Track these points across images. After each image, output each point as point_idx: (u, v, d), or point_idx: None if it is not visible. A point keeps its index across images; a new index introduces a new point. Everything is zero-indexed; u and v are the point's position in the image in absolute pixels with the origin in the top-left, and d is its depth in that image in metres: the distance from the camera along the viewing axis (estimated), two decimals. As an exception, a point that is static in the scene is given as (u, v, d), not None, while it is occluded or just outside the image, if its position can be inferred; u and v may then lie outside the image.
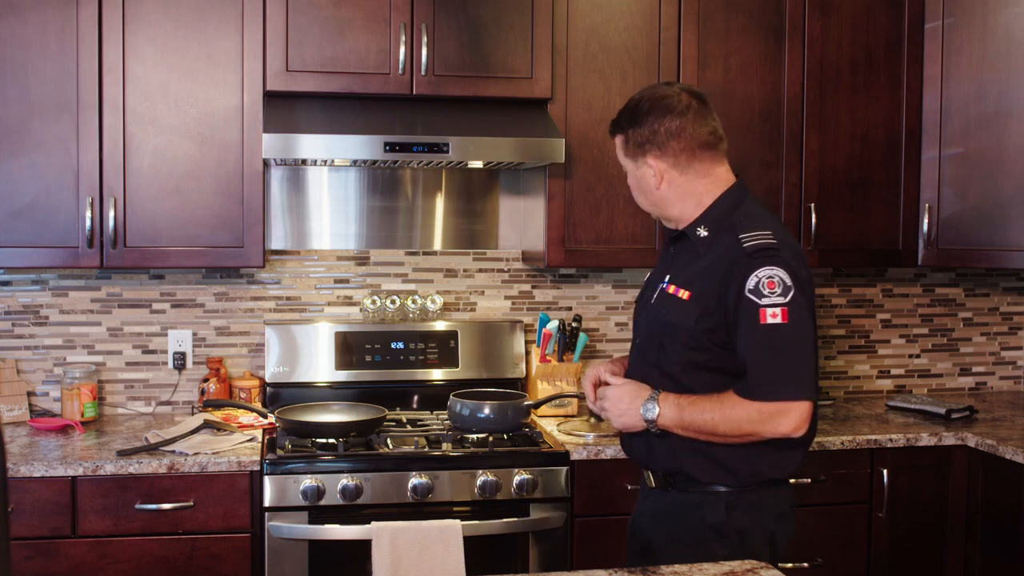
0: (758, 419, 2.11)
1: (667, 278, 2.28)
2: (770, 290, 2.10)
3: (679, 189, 2.25)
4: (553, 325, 3.34)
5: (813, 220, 3.32)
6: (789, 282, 2.10)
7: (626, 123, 2.27)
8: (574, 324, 3.35)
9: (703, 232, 2.24)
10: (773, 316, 2.09)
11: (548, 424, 3.21)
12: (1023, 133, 3.17)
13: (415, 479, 2.80)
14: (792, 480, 2.47)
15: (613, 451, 2.94)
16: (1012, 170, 3.20)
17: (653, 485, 2.31)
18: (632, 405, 2.22)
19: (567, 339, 3.35)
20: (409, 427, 3.13)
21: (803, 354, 2.12)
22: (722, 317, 2.15)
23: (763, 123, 3.32)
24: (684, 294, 2.21)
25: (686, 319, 2.19)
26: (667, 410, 2.17)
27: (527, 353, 3.48)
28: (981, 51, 3.27)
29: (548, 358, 3.35)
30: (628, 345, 3.42)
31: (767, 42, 3.31)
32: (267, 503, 2.76)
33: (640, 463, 2.34)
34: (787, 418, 2.10)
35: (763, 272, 2.10)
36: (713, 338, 2.16)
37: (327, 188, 3.45)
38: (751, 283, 2.10)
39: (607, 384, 2.35)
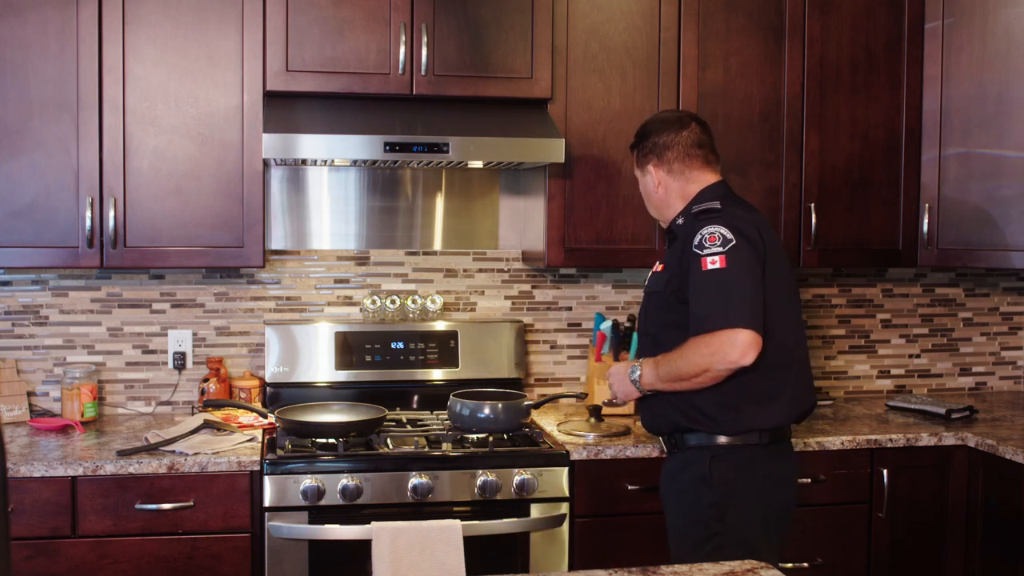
0: (708, 352, 2.37)
1: (657, 263, 2.70)
2: (711, 243, 2.42)
3: (673, 192, 2.65)
4: (607, 325, 3.36)
5: (813, 220, 3.32)
6: (730, 236, 2.41)
7: (637, 139, 2.73)
8: (628, 324, 3.36)
9: (680, 220, 2.62)
10: (712, 263, 2.40)
11: (548, 424, 3.21)
12: (1023, 133, 3.17)
13: (415, 479, 2.80)
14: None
15: (613, 451, 2.94)
16: (1012, 170, 3.20)
17: (665, 450, 2.64)
18: (624, 375, 2.60)
19: (621, 338, 3.37)
20: (409, 427, 3.13)
21: (741, 290, 2.38)
22: (683, 277, 2.47)
23: (763, 123, 3.32)
24: (659, 267, 2.63)
25: (659, 285, 2.58)
26: (647, 369, 2.53)
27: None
28: (981, 51, 3.27)
29: (603, 358, 3.38)
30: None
31: (767, 42, 3.31)
32: (267, 503, 2.76)
33: (652, 432, 2.68)
34: (730, 346, 2.34)
35: (706, 230, 2.44)
36: (679, 296, 2.49)
37: (327, 188, 3.45)
38: (696, 240, 2.44)
39: None
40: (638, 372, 2.54)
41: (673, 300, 2.51)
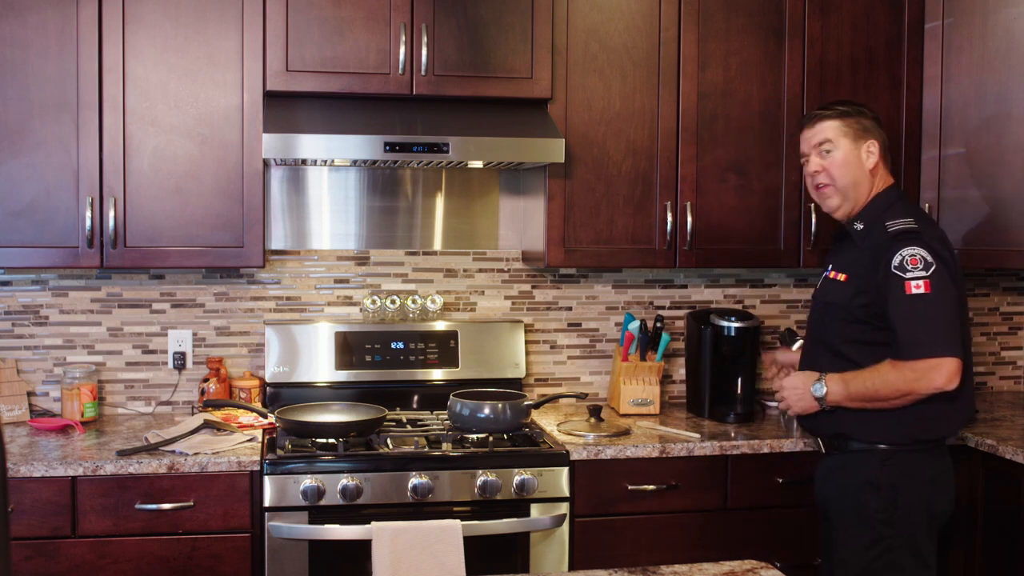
0: (912, 377, 2.42)
1: (830, 267, 2.72)
2: (913, 266, 2.44)
3: (873, 176, 2.67)
4: (635, 326, 3.38)
5: (813, 220, 3.32)
6: (930, 259, 2.45)
7: (854, 111, 2.70)
8: (658, 325, 3.37)
9: (859, 226, 2.65)
10: (917, 287, 2.43)
11: (548, 424, 3.22)
12: (1023, 133, 3.17)
13: (415, 479, 2.80)
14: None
15: (613, 451, 2.94)
16: (1012, 170, 3.20)
17: (824, 450, 2.68)
18: (805, 389, 2.60)
19: (649, 339, 3.37)
20: (409, 427, 3.13)
21: (947, 317, 2.44)
22: (875, 294, 2.50)
23: (763, 123, 3.32)
24: (841, 277, 2.62)
25: (842, 297, 2.58)
26: (834, 386, 2.54)
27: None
28: (981, 51, 3.27)
29: (631, 358, 3.39)
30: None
31: (767, 42, 3.31)
32: (267, 503, 2.76)
33: (810, 431, 2.76)
34: (938, 372, 2.40)
35: (906, 251, 2.47)
36: (868, 312, 2.52)
37: (327, 188, 3.45)
38: (896, 261, 2.47)
39: (782, 368, 2.94)
40: (824, 390, 2.56)
41: (860, 315, 2.54)
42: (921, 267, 2.44)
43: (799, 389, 2.63)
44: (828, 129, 2.70)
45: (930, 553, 2.55)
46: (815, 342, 2.71)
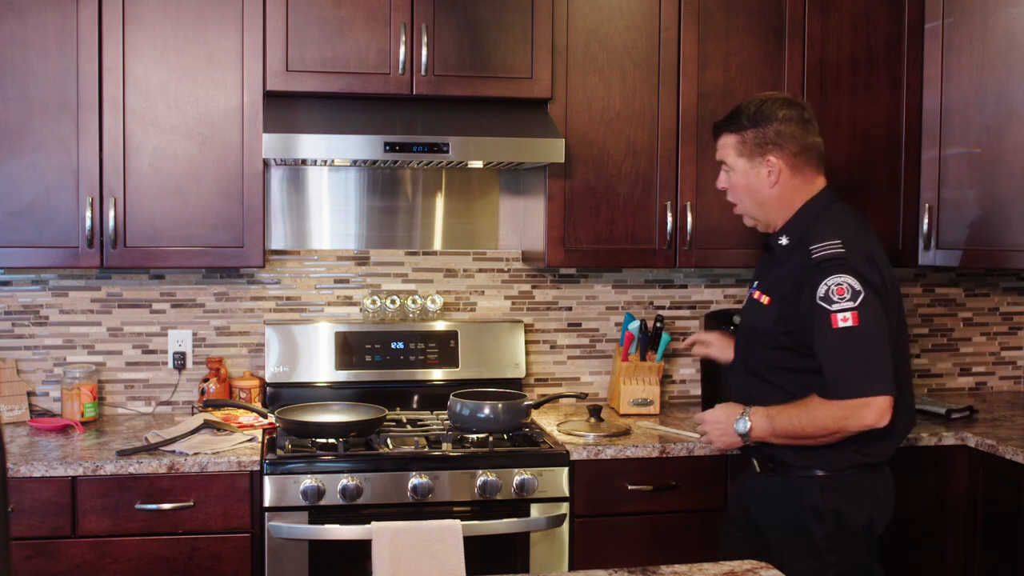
0: (841, 416, 2.27)
1: (755, 284, 2.52)
2: (839, 296, 2.27)
3: (785, 191, 2.45)
4: (635, 326, 3.38)
5: (813, 220, 3.32)
6: (858, 287, 2.27)
7: (748, 123, 2.46)
8: (657, 325, 3.36)
9: (784, 241, 2.45)
10: (844, 320, 2.25)
11: (548, 424, 3.22)
12: (1023, 133, 3.17)
13: (415, 479, 2.80)
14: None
15: (613, 451, 2.94)
16: (1012, 170, 3.20)
17: (759, 471, 2.51)
18: (728, 424, 2.43)
19: (649, 339, 3.37)
20: (409, 427, 3.13)
21: (876, 352, 2.28)
22: (799, 322, 2.33)
23: (763, 123, 3.31)
24: (765, 299, 2.43)
25: (765, 322, 2.41)
26: (758, 421, 2.38)
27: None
28: (981, 51, 3.27)
29: (630, 358, 3.40)
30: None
31: (767, 42, 3.31)
32: (267, 503, 2.76)
33: (746, 453, 2.56)
34: (868, 411, 2.26)
35: (832, 280, 2.28)
36: (793, 340, 2.36)
37: (327, 188, 3.45)
38: (821, 291, 2.29)
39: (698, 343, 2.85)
40: (748, 424, 2.39)
41: (784, 342, 2.38)
42: (848, 297, 2.26)
43: (721, 424, 2.46)
44: (724, 148, 2.52)
45: (876, 565, 2.44)
46: (742, 367, 2.53)
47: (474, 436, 3.00)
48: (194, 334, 3.40)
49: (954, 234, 3.37)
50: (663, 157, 3.25)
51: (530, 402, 3.11)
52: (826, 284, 2.28)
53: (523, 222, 3.53)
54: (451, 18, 3.08)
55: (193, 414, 3.30)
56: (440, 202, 3.52)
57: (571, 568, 2.91)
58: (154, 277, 3.37)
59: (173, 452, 2.81)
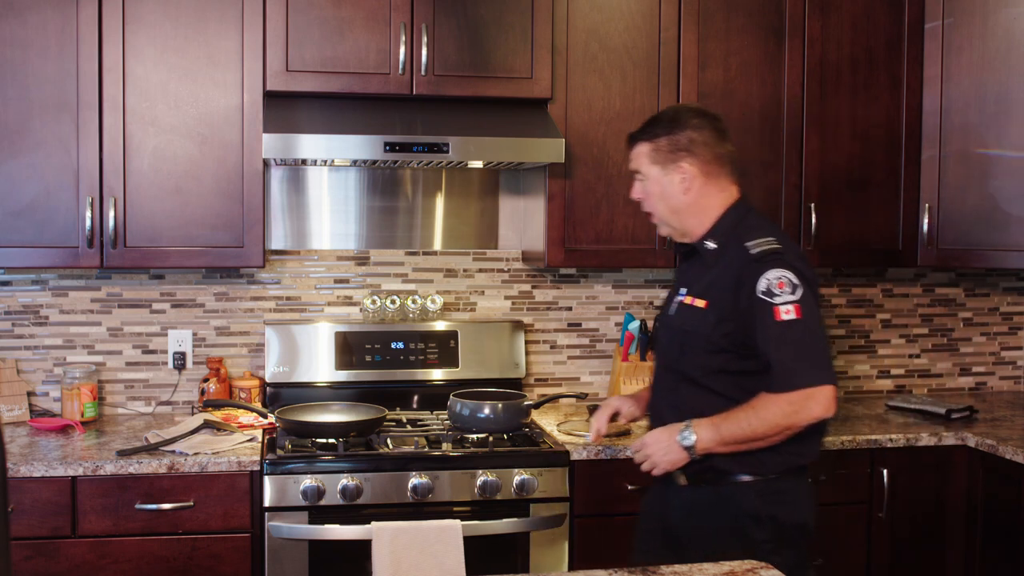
0: (791, 411, 2.24)
1: (683, 291, 2.45)
2: (780, 290, 2.26)
3: (700, 198, 2.42)
4: (635, 326, 3.39)
5: (813, 220, 3.32)
6: (797, 281, 2.27)
7: (662, 130, 2.44)
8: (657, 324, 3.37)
9: (712, 244, 2.41)
10: (787, 313, 2.25)
11: (548, 424, 3.21)
12: (1023, 133, 3.17)
13: (415, 479, 2.80)
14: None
15: (613, 451, 2.94)
16: (1012, 170, 3.20)
17: (684, 483, 2.41)
18: (671, 441, 2.34)
19: (649, 339, 3.38)
20: (409, 427, 3.13)
21: (818, 343, 2.28)
22: (739, 321, 2.30)
23: (763, 123, 3.32)
24: (701, 303, 2.37)
25: (704, 326, 2.35)
26: (704, 432, 2.30)
27: (533, 353, 3.48)
28: (981, 51, 3.27)
29: (631, 358, 3.39)
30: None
31: (767, 42, 3.31)
32: (267, 503, 2.76)
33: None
34: (815, 402, 2.23)
35: (772, 274, 2.27)
36: (732, 341, 2.31)
37: (327, 188, 3.45)
38: (762, 285, 2.27)
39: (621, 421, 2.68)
40: (693, 437, 2.30)
41: (724, 344, 2.32)
42: (789, 290, 2.25)
43: (663, 442, 2.35)
44: (639, 156, 2.48)
45: (812, 568, 2.42)
46: (671, 374, 2.45)
47: (474, 436, 3.00)
48: (194, 334, 3.40)
49: (954, 234, 3.37)
50: (663, 157, 3.25)
51: (530, 402, 3.11)
52: (766, 278, 2.27)
53: (523, 222, 3.53)
54: (451, 18, 3.08)
55: (193, 414, 3.30)
56: (440, 202, 3.52)
57: (571, 568, 2.90)
58: (154, 277, 3.37)
59: (173, 452, 2.81)
